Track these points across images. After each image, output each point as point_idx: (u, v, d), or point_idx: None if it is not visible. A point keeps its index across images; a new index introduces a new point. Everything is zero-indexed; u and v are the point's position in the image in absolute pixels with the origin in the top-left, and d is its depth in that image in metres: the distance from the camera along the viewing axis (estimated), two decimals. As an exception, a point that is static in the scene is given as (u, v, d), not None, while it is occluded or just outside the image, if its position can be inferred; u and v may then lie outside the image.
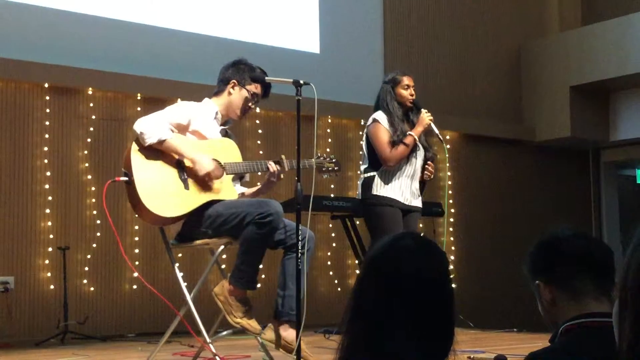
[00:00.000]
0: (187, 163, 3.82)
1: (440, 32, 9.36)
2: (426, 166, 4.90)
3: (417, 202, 4.88)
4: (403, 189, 4.76)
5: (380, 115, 4.82)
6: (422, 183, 4.95)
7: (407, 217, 4.80)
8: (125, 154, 3.81)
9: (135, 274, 6.71)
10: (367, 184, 4.78)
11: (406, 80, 4.86)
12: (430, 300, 1.51)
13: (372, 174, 4.77)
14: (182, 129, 3.87)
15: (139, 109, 6.88)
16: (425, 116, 4.77)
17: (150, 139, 3.72)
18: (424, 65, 9.06)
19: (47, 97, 6.57)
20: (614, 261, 2.00)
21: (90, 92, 6.78)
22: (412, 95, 4.84)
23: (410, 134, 4.71)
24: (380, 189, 4.74)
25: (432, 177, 4.99)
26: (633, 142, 10.14)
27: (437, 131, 4.86)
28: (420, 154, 4.87)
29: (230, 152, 3.99)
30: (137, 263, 6.59)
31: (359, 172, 4.94)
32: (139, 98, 6.99)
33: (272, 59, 5.50)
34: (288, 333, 3.73)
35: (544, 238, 2.06)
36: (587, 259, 1.98)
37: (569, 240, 2.01)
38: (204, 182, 3.83)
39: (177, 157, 3.82)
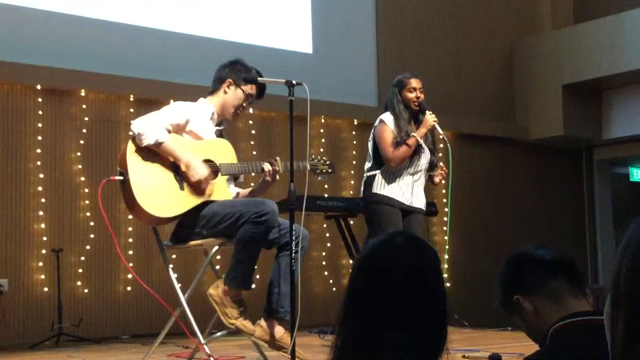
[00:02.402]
0: (182, 166, 3.83)
1: (432, 31, 9.37)
2: (440, 171, 4.92)
3: (420, 204, 4.90)
4: (404, 189, 4.79)
5: (387, 116, 4.85)
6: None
7: (409, 218, 4.82)
8: (121, 153, 3.81)
9: (130, 276, 6.70)
10: (369, 182, 4.82)
11: (413, 83, 4.89)
12: (423, 298, 1.52)
13: (374, 172, 4.81)
14: (179, 129, 3.88)
15: (132, 110, 6.87)
16: (430, 118, 4.79)
17: (146, 140, 3.73)
18: (417, 64, 9.04)
19: (40, 99, 6.56)
20: (578, 264, 2.11)
21: (83, 94, 6.77)
22: (418, 97, 4.86)
23: (413, 135, 4.73)
24: (380, 187, 4.77)
25: (441, 182, 4.98)
26: (626, 140, 10.17)
27: (441, 132, 4.88)
28: (425, 155, 4.88)
29: (225, 153, 4.00)
30: (131, 264, 6.57)
31: (363, 170, 4.97)
32: (131, 99, 6.97)
33: (264, 59, 5.48)
34: (277, 330, 3.75)
35: (510, 257, 2.15)
36: (556, 262, 2.07)
37: (535, 251, 2.11)
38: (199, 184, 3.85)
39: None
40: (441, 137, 4.95)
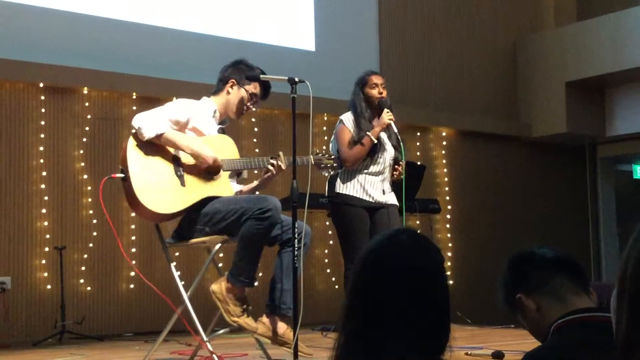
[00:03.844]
0: (185, 157, 3.82)
1: (435, 29, 9.36)
2: (396, 166, 4.85)
3: (390, 199, 4.87)
4: (367, 187, 4.79)
5: (346, 116, 4.87)
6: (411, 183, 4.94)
7: (379, 214, 4.82)
8: (122, 150, 3.80)
9: (133, 273, 6.71)
10: (332, 182, 4.87)
11: (374, 79, 4.88)
12: (426, 296, 1.51)
13: (336, 172, 4.80)
14: (181, 126, 3.87)
15: (134, 108, 6.87)
16: (385, 116, 4.75)
17: (147, 133, 3.72)
18: (420, 62, 9.06)
19: (42, 97, 6.56)
20: (580, 263, 2.11)
21: (85, 92, 6.77)
22: (380, 93, 4.84)
23: (367, 134, 4.73)
24: (341, 187, 4.81)
25: (400, 178, 4.85)
26: (629, 137, 10.15)
27: (396, 131, 4.83)
28: (389, 154, 4.86)
29: (228, 149, 4.00)
30: (133, 262, 6.58)
31: None
32: (134, 97, 6.98)
33: (267, 57, 5.49)
34: (280, 326, 3.75)
35: (511, 257, 2.16)
36: (558, 260, 2.08)
37: (536, 250, 2.12)
38: (201, 178, 3.84)
39: (174, 151, 3.82)
40: (397, 136, 4.84)
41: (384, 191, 4.85)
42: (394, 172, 4.87)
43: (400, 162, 4.85)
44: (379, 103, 4.82)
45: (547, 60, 9.93)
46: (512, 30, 10.20)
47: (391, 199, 4.89)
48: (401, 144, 4.86)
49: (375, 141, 4.74)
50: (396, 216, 4.91)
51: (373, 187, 4.81)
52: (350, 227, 4.75)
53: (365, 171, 4.80)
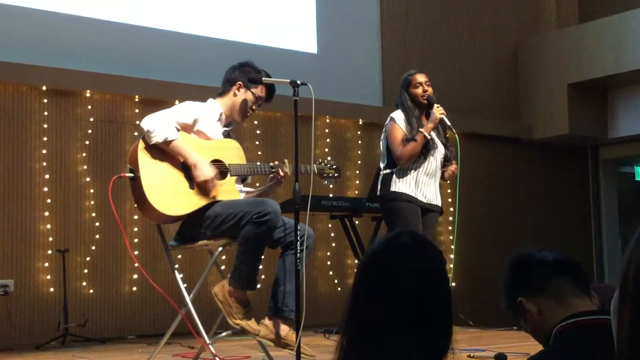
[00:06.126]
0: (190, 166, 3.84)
1: (437, 31, 9.36)
2: (448, 165, 4.87)
3: (439, 202, 4.87)
4: (422, 187, 4.75)
5: (397, 114, 4.82)
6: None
7: (427, 217, 4.78)
8: (132, 150, 3.82)
9: (135, 276, 6.71)
10: (386, 181, 4.78)
11: (418, 79, 4.87)
12: (428, 298, 1.51)
13: (390, 171, 4.77)
14: (187, 128, 3.90)
15: (137, 110, 6.88)
16: (437, 111, 4.74)
17: (156, 138, 3.74)
18: (421, 64, 9.01)
19: (45, 100, 6.57)
20: (581, 265, 2.10)
21: (88, 95, 6.78)
22: (425, 91, 4.83)
23: (420, 131, 4.70)
24: (397, 185, 4.72)
25: (450, 178, 4.93)
26: (631, 139, 10.15)
27: (449, 124, 4.81)
28: (439, 151, 4.84)
29: (235, 153, 4.02)
30: (136, 265, 6.58)
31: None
32: (136, 100, 6.98)
33: (269, 60, 5.47)
34: (282, 328, 3.76)
35: (512, 260, 2.15)
36: (559, 262, 2.07)
37: (537, 253, 2.11)
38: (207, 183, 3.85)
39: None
40: (451, 130, 4.86)
41: (435, 192, 4.83)
42: (445, 172, 4.87)
43: (453, 162, 4.88)
44: (427, 100, 4.82)
45: (549, 62, 9.93)
46: (514, 32, 10.20)
47: (439, 201, 4.88)
48: (456, 137, 4.83)
49: (429, 137, 4.72)
50: (436, 221, 4.92)
51: (427, 186, 4.77)
52: (403, 221, 4.63)
53: (419, 170, 4.75)
